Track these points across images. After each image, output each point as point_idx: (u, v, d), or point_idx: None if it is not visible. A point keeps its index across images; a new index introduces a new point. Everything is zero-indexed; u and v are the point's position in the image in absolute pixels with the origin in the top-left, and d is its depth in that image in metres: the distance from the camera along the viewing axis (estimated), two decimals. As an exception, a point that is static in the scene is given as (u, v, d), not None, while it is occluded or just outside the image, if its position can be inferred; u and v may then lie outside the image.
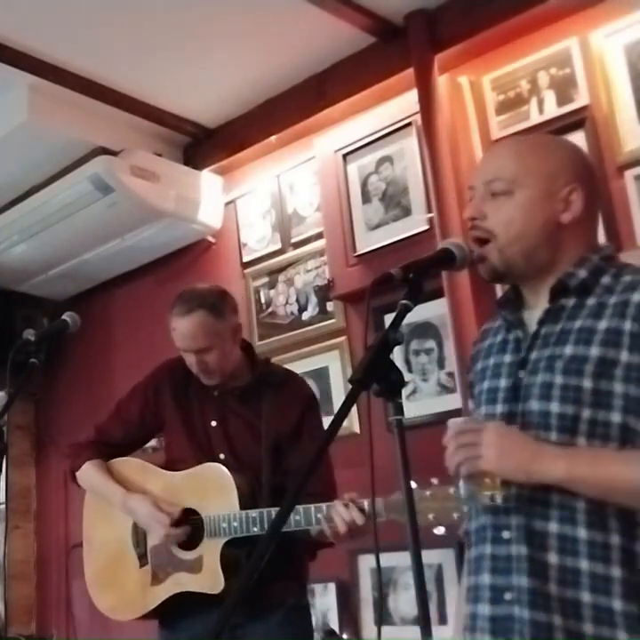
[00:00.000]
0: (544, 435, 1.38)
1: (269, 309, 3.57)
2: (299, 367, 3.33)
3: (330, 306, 3.36)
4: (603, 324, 1.40)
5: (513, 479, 1.38)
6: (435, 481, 1.82)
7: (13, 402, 2.22)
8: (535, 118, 2.85)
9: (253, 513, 2.16)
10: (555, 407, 1.39)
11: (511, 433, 1.40)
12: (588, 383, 1.37)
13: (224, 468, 2.26)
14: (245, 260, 3.70)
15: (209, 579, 2.21)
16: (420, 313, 2.97)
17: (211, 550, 2.22)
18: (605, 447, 1.36)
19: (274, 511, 2.12)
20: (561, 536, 1.36)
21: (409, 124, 3.12)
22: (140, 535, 2.41)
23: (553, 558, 1.35)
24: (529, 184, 1.48)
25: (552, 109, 2.81)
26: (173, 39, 3.10)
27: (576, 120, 2.74)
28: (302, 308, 3.46)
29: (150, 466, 2.44)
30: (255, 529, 2.14)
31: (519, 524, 1.39)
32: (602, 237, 2.64)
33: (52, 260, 3.91)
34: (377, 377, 1.28)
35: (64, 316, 2.41)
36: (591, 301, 1.44)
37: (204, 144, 3.78)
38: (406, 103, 3.11)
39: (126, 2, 2.86)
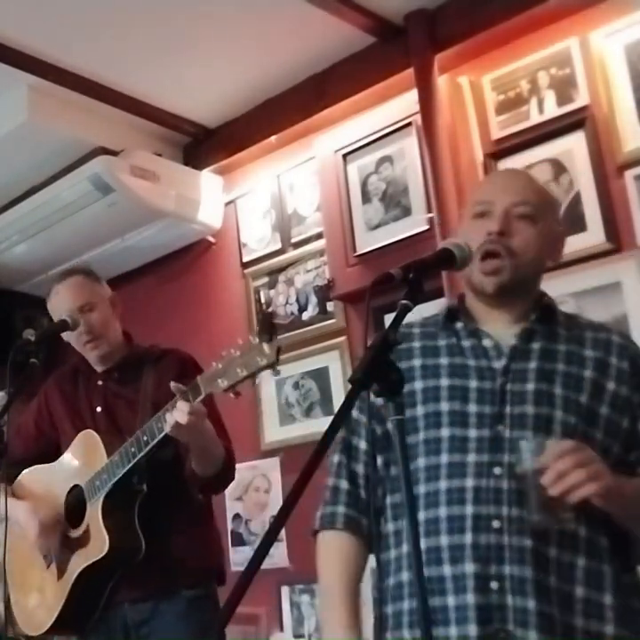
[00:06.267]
0: (544, 438, 1.42)
1: (269, 309, 3.57)
2: (299, 367, 3.34)
3: (330, 306, 3.35)
4: (589, 353, 1.53)
5: (613, 501, 1.38)
6: (240, 341, 1.92)
7: (13, 402, 2.23)
8: (535, 118, 2.85)
9: (115, 456, 2.17)
10: (559, 415, 1.46)
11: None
12: (584, 399, 1.48)
13: (91, 432, 2.30)
14: (245, 259, 3.70)
15: (95, 544, 2.17)
16: (420, 313, 2.96)
17: (93, 514, 2.21)
18: None
19: (129, 443, 2.14)
20: (560, 532, 1.41)
21: (409, 124, 3.11)
22: None
23: (552, 552, 1.40)
24: (547, 219, 1.58)
25: (552, 109, 2.81)
26: (173, 39, 3.09)
27: (576, 120, 2.75)
28: (302, 308, 3.46)
29: (40, 466, 2.47)
30: (120, 470, 2.15)
31: (516, 515, 1.40)
32: (602, 237, 2.66)
33: (52, 260, 3.90)
34: (377, 377, 1.28)
35: (64, 316, 2.42)
36: (562, 331, 1.56)
37: (204, 144, 3.77)
38: (406, 103, 3.11)
39: (126, 2, 2.86)
